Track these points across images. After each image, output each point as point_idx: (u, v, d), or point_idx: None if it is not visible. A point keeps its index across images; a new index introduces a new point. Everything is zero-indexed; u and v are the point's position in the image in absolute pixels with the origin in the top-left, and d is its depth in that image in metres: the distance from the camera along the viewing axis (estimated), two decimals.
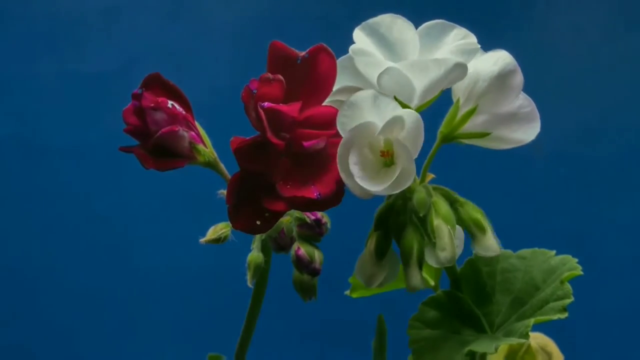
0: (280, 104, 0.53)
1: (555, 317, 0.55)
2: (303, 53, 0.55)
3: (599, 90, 1.36)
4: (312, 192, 0.52)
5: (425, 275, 0.71)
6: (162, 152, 0.56)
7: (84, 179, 1.37)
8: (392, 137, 0.52)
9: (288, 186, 0.53)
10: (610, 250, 1.31)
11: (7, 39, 1.39)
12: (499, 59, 0.55)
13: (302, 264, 0.61)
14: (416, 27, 0.55)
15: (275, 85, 0.54)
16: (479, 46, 0.54)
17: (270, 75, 0.54)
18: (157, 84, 0.58)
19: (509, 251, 0.62)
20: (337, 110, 0.54)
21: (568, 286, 0.57)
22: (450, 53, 0.53)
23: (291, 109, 0.54)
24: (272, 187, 0.53)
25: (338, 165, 0.51)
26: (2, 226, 1.37)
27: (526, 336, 0.54)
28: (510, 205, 1.28)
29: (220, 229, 0.60)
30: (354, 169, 0.51)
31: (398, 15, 0.55)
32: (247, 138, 0.54)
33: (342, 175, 0.51)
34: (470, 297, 0.60)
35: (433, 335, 0.58)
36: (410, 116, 0.51)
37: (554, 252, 0.61)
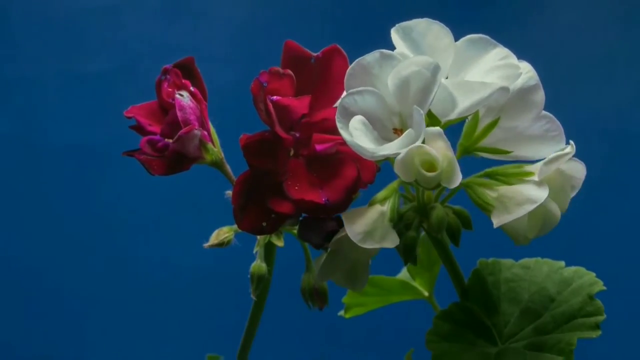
0: (290, 98, 0.53)
1: (593, 334, 0.55)
2: (317, 54, 0.55)
3: (598, 91, 1.36)
4: (320, 197, 0.52)
5: (418, 286, 0.71)
6: (175, 156, 0.55)
7: (85, 178, 1.36)
8: (404, 112, 0.50)
9: (296, 187, 0.52)
10: (606, 252, 1.31)
11: (9, 39, 1.39)
12: (521, 72, 0.53)
13: (312, 224, 0.56)
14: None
15: (286, 81, 0.54)
16: (521, 71, 0.53)
17: (280, 69, 0.54)
18: (185, 70, 0.57)
19: (510, 260, 0.62)
20: None
21: (599, 303, 0.56)
22: (497, 77, 0.52)
23: (300, 104, 0.53)
24: (279, 187, 0.52)
25: (337, 123, 0.50)
26: (3, 225, 1.36)
27: (570, 354, 0.54)
28: None
29: (223, 233, 0.60)
30: (355, 133, 0.50)
31: (435, 21, 0.53)
32: (255, 133, 0.53)
33: (342, 134, 0.50)
34: (479, 307, 0.59)
35: (453, 348, 0.57)
36: (416, 75, 0.50)
37: (562, 262, 0.60)
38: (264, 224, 0.53)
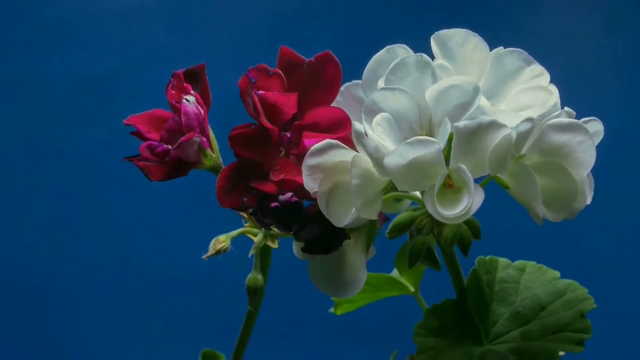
0: (276, 94, 0.54)
1: (577, 350, 0.56)
2: (310, 59, 0.56)
3: (592, 92, 1.37)
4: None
5: (405, 281, 0.71)
6: (175, 161, 0.56)
7: (89, 179, 1.36)
8: (436, 119, 0.49)
9: (282, 175, 0.53)
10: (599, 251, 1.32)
11: (15, 41, 1.39)
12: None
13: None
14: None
15: (275, 80, 0.54)
16: (559, 107, 0.52)
17: (268, 67, 0.54)
18: (193, 76, 0.58)
19: (506, 260, 0.62)
20: (343, 112, 0.53)
21: (588, 322, 0.57)
22: (534, 111, 0.51)
23: (288, 101, 0.54)
24: (266, 176, 0.53)
25: (362, 115, 0.49)
26: (9, 225, 1.37)
27: None
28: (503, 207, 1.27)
29: (220, 242, 0.60)
30: (377, 129, 0.48)
31: (474, 34, 0.53)
32: (242, 125, 0.54)
33: (366, 127, 0.48)
34: (473, 306, 0.59)
35: (438, 344, 0.57)
36: (458, 91, 0.49)
37: (557, 273, 0.60)
38: (245, 198, 0.53)
